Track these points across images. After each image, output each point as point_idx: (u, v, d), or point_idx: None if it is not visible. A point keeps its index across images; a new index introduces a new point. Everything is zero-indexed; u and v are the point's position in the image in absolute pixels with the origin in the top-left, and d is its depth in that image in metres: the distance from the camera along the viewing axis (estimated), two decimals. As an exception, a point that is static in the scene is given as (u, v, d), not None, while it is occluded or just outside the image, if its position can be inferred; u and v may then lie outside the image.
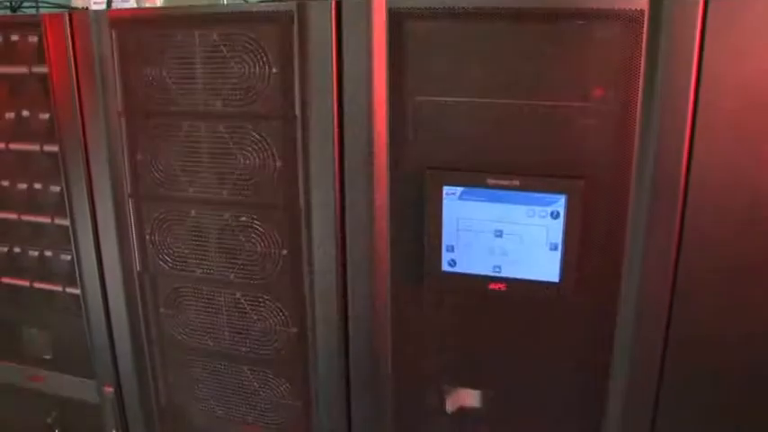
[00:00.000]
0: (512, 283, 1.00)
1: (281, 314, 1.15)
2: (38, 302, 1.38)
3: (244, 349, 1.20)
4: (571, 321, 1.02)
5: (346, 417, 1.16)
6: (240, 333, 1.19)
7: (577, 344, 1.03)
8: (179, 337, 1.25)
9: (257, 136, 1.05)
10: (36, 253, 1.35)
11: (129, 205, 1.18)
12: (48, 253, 1.34)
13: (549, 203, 0.96)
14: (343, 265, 1.07)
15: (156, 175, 1.14)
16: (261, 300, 1.15)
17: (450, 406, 1.13)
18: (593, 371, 1.02)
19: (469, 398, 1.13)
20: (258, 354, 1.19)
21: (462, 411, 1.13)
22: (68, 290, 1.32)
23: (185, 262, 1.18)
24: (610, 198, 0.94)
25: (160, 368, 1.29)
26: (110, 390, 1.32)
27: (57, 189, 1.27)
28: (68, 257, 1.32)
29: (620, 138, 0.91)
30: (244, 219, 1.11)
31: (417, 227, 1.03)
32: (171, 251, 1.19)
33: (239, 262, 1.14)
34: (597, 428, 1.04)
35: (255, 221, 1.10)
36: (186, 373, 1.27)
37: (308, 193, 1.05)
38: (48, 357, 1.45)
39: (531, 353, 1.06)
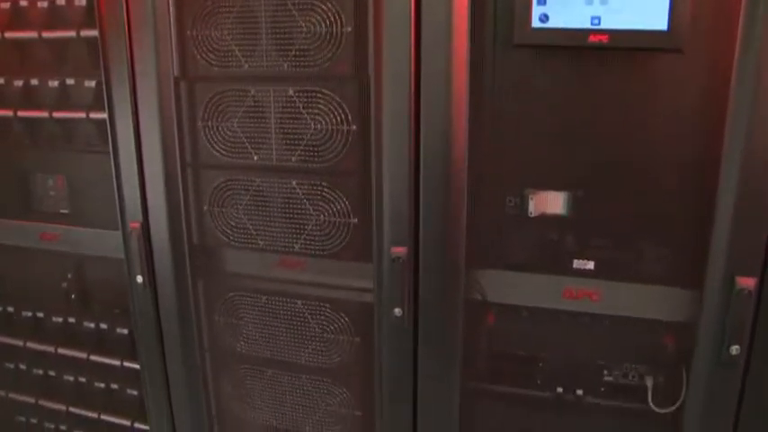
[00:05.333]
0: (614, 34, 0.88)
1: (340, 111, 1.02)
2: (56, 140, 1.24)
3: (294, 159, 1.06)
4: (679, 81, 0.90)
5: (413, 228, 1.02)
6: (292, 138, 1.06)
7: (685, 112, 0.91)
8: (219, 155, 1.11)
9: None
10: (56, 83, 1.22)
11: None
12: (70, 81, 1.21)
13: (657, -65, 0.85)
14: (416, 38, 0.94)
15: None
16: (316, 94, 1.02)
17: (533, 209, 1.00)
18: (701, 153, 0.90)
19: (554, 202, 1.00)
20: (310, 164, 1.06)
21: (545, 217, 1.00)
22: (93, 115, 1.18)
23: (230, 57, 1.05)
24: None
25: (194, 197, 1.15)
26: (136, 225, 1.17)
27: (83, 2, 1.16)
28: (92, 84, 1.19)
29: None
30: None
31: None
32: (214, 47, 1.06)
33: (294, 48, 1.01)
34: (703, 231, 0.91)
35: None
36: (225, 199, 1.13)
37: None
38: (64, 211, 1.30)
39: (630, 129, 0.93)
